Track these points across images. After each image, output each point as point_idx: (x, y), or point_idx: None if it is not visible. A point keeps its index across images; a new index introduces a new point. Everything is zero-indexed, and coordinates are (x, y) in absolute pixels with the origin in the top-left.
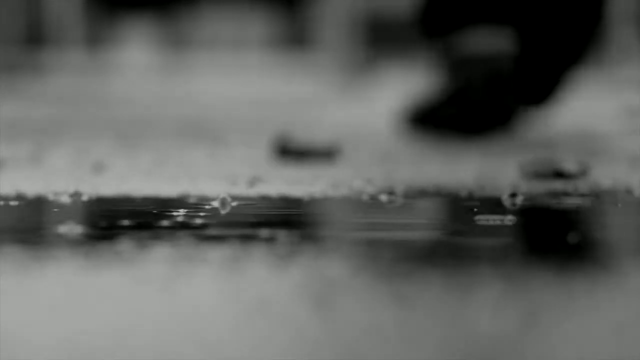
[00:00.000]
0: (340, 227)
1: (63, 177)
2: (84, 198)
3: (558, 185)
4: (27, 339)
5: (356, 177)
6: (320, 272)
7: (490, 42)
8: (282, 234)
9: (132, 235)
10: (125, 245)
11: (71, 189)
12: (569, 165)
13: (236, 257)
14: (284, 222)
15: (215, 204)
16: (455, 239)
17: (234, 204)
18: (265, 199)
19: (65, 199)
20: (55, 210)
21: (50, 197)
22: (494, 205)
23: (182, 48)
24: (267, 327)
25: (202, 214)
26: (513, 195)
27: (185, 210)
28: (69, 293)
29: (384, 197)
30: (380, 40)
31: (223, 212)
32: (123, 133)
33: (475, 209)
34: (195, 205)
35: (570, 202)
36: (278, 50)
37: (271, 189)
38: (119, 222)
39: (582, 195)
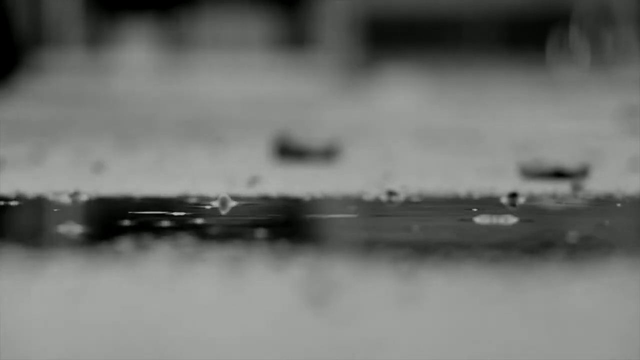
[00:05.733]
0: (340, 227)
1: (63, 177)
2: (84, 198)
3: (558, 185)
4: (27, 339)
5: (356, 177)
6: (320, 272)
7: None
8: (282, 234)
9: (132, 235)
10: (125, 245)
11: (71, 189)
12: (569, 165)
13: (236, 257)
14: (283, 222)
15: (215, 204)
16: (455, 239)
17: (234, 204)
18: (265, 199)
19: (65, 199)
20: (55, 210)
21: (50, 197)
22: (494, 205)
23: (182, 48)
24: (267, 327)
25: (202, 214)
26: (513, 195)
27: (185, 211)
28: (69, 293)
29: (384, 197)
30: (380, 40)
31: (223, 212)
32: (123, 133)
33: (475, 209)
34: (195, 205)
35: (570, 202)
36: (278, 51)
37: (271, 189)
38: (119, 222)
39: (582, 195)
